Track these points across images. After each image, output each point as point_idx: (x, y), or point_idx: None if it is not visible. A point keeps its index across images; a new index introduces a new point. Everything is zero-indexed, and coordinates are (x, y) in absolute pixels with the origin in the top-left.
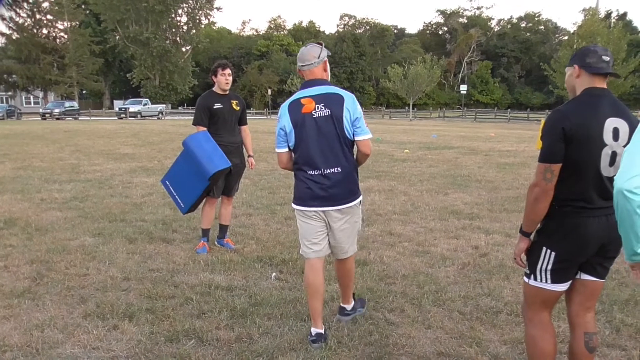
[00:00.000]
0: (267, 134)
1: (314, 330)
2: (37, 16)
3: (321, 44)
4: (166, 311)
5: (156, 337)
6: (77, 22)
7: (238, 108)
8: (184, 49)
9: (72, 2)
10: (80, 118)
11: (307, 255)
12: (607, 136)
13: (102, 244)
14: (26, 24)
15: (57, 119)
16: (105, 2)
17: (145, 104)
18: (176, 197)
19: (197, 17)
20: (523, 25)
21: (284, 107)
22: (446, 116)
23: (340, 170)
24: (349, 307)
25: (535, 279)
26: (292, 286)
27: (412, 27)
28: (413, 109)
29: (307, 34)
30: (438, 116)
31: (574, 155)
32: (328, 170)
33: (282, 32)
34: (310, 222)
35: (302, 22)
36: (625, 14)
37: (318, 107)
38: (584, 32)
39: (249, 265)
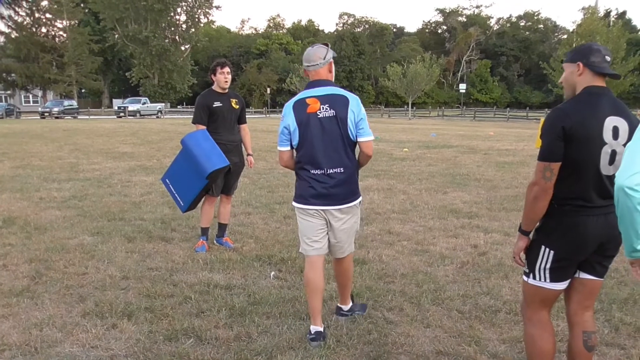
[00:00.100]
0: (266, 133)
1: (313, 328)
2: (36, 15)
3: (327, 45)
4: (165, 310)
5: (155, 335)
6: (76, 21)
7: (237, 107)
8: (183, 48)
9: (71, 1)
10: (79, 117)
11: (308, 253)
12: (607, 135)
13: (101, 243)
14: (25, 22)
15: (56, 117)
16: (104, 0)
17: (144, 103)
18: (176, 195)
19: (196, 16)
20: (522, 24)
21: (289, 105)
22: (445, 115)
23: (343, 170)
24: (346, 307)
25: (534, 277)
26: (291, 285)
27: (411, 26)
28: (412, 107)
29: (306, 32)
30: (437, 115)
31: (573, 154)
32: (331, 170)
33: (281, 31)
34: (311, 220)
35: (301, 20)
36: (624, 13)
37: (323, 107)
38: (583, 30)
39: (247, 264)
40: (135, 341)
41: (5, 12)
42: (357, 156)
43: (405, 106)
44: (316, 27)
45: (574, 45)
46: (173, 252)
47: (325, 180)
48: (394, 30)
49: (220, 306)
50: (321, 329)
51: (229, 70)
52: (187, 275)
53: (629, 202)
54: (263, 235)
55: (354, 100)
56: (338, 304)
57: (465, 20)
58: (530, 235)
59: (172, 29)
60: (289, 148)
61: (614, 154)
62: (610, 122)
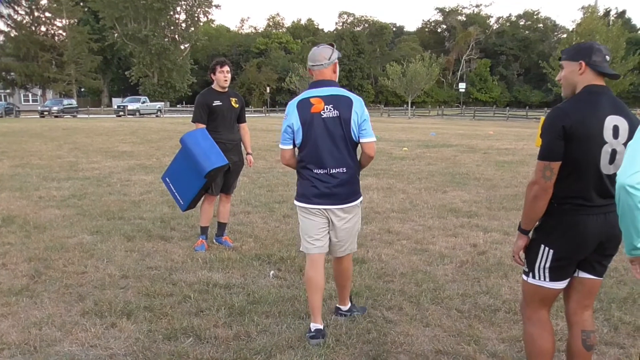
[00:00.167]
0: (265, 132)
1: (313, 326)
2: (36, 13)
3: (333, 46)
4: (164, 309)
5: (154, 335)
6: (76, 20)
7: (237, 106)
8: (182, 47)
9: (70, 0)
10: (78, 116)
11: (309, 251)
12: (607, 134)
13: (101, 242)
14: (24, 21)
15: (56, 116)
16: None
17: (143, 102)
18: (175, 194)
19: (196, 15)
20: (522, 23)
21: (292, 104)
22: (445, 114)
23: (345, 170)
24: (344, 308)
25: (533, 276)
26: (290, 284)
27: (411, 25)
28: (412, 107)
29: (306, 31)
30: (437, 114)
31: (574, 153)
32: (334, 170)
33: (280, 30)
34: (313, 218)
35: (300, 19)
36: (624, 12)
37: (327, 107)
38: (583, 30)
39: (247, 263)
40: (134, 340)
41: (5, 11)
42: (358, 157)
43: (405, 105)
44: (316, 26)
45: (573, 44)
46: (172, 251)
47: (328, 180)
48: (394, 29)
49: (220, 305)
50: (321, 327)
51: (228, 69)
52: (186, 274)
53: (630, 200)
54: (262, 235)
55: (357, 102)
56: (337, 305)
57: (464, 19)
58: (530, 234)
59: (172, 27)
60: (291, 147)
61: (614, 153)
62: (611, 121)
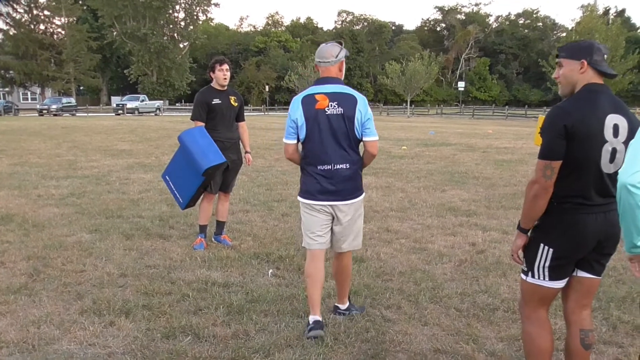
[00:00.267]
0: (264, 131)
1: (312, 318)
2: (35, 12)
3: (341, 44)
4: (163, 307)
5: (152, 333)
6: (75, 18)
7: (236, 104)
8: (181, 45)
9: None
10: (77, 114)
11: (311, 247)
12: (608, 133)
13: (99, 240)
14: (23, 19)
15: (55, 115)
16: None
17: (142, 100)
18: (175, 192)
19: (195, 13)
20: (521, 21)
21: (297, 100)
22: (444, 113)
23: (348, 166)
24: (343, 306)
25: (533, 276)
26: (289, 283)
27: (410, 24)
28: (411, 105)
29: (305, 30)
30: (436, 113)
31: (575, 152)
32: (337, 166)
33: (279, 29)
34: (317, 215)
35: (299, 18)
36: (623, 11)
37: (331, 104)
38: (582, 28)
39: (245, 262)
40: (132, 339)
41: (4, 9)
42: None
43: (404, 104)
44: (315, 25)
45: None
46: (171, 250)
47: (332, 176)
48: (393, 28)
49: (218, 304)
50: (320, 319)
51: (227, 67)
52: (185, 272)
53: (631, 199)
54: (261, 233)
55: (362, 101)
56: (335, 303)
57: (464, 18)
58: (529, 234)
59: (171, 26)
60: (295, 141)
61: (614, 151)
62: (611, 120)
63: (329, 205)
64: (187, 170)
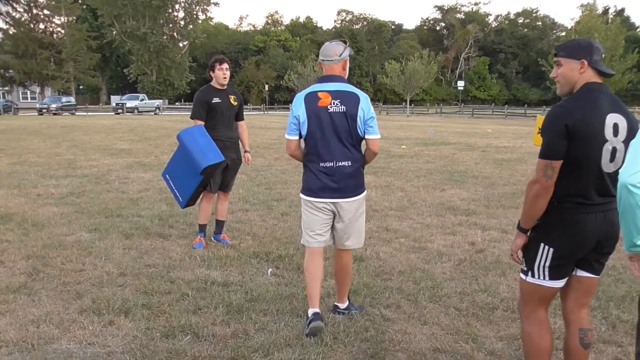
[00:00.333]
0: (264, 130)
1: (311, 311)
2: (34, 11)
3: (345, 43)
4: (162, 307)
5: (152, 332)
6: (74, 17)
7: (236, 103)
8: (181, 45)
9: None
10: (77, 113)
11: (310, 245)
12: (608, 132)
13: (99, 240)
14: (23, 18)
15: (54, 114)
16: None
17: (142, 100)
18: (175, 191)
19: (194, 12)
20: (521, 21)
21: (300, 97)
22: (443, 112)
23: (350, 164)
24: (342, 306)
25: (533, 275)
26: (289, 282)
27: (410, 23)
28: (410, 104)
29: (305, 29)
30: (435, 112)
31: (576, 152)
32: (339, 164)
33: (279, 28)
34: (318, 213)
35: (299, 17)
36: (622, 10)
37: (334, 102)
38: (582, 28)
39: (245, 261)
40: (132, 338)
41: (3, 8)
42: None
43: (404, 103)
44: (314, 24)
45: None
46: (170, 249)
47: (334, 173)
48: (392, 27)
49: (218, 303)
50: (319, 311)
51: (227, 67)
52: (184, 272)
53: (632, 199)
54: (261, 232)
55: (364, 99)
56: (335, 303)
57: (463, 17)
58: (528, 233)
59: (170, 25)
60: (297, 137)
61: (614, 151)
62: (611, 119)
63: (330, 202)
64: (186, 169)
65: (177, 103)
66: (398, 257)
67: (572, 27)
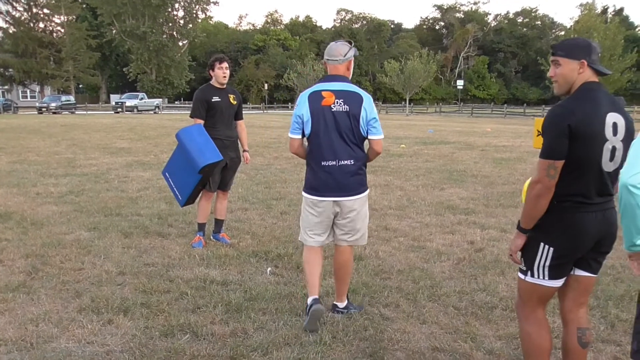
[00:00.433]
0: (263, 129)
1: (310, 298)
2: (34, 10)
3: (350, 43)
4: (161, 306)
5: (151, 331)
6: (74, 16)
7: (235, 102)
8: (180, 43)
9: None
10: (76, 112)
11: (308, 243)
12: (608, 131)
13: (98, 238)
14: (23, 17)
15: (54, 113)
16: None
17: (141, 98)
18: (174, 189)
19: (194, 12)
20: (520, 20)
21: (304, 96)
22: (443, 111)
23: (353, 162)
24: (341, 305)
25: (532, 275)
26: (288, 281)
27: (409, 22)
28: (409, 104)
29: (304, 28)
30: (434, 111)
31: (578, 151)
32: (342, 162)
33: (279, 27)
34: (318, 214)
35: (299, 16)
36: (621, 10)
37: (338, 102)
38: (581, 27)
39: (244, 260)
40: (131, 337)
41: (3, 7)
42: (366, 151)
43: (403, 102)
44: (314, 23)
45: None
46: (169, 248)
47: (336, 172)
48: (392, 26)
49: (217, 302)
50: (318, 297)
51: (227, 66)
52: (183, 271)
53: (632, 199)
54: (260, 231)
55: (367, 99)
56: (334, 302)
57: (462, 16)
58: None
59: (170, 24)
60: (300, 136)
61: (614, 150)
62: (611, 118)
63: (333, 200)
64: (185, 168)
65: (176, 102)
66: (397, 256)
67: (571, 26)
